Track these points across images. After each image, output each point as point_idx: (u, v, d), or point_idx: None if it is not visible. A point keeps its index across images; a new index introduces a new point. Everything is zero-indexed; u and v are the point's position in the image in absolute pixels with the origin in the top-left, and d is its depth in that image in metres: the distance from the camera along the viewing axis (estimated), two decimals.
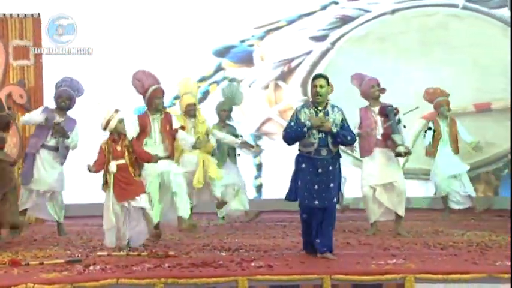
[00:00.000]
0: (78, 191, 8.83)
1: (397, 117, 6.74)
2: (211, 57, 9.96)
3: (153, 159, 6.26)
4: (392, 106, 6.75)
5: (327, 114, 5.61)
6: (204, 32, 9.79)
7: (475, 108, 9.72)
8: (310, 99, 5.79)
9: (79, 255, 5.83)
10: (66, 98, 7.12)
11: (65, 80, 7.29)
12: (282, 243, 6.37)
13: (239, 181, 8.08)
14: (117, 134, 6.10)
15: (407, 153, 6.72)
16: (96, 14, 9.53)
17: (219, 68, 10.00)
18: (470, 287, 4.85)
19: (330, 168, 5.58)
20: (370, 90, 6.90)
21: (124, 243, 6.07)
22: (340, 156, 5.74)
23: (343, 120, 5.69)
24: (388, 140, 6.74)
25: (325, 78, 5.68)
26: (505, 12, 9.95)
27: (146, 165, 6.33)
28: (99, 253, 5.91)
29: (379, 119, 6.83)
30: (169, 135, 6.72)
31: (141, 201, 6.06)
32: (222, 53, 10.02)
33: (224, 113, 8.06)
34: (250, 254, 5.81)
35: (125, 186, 6.01)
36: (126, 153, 6.08)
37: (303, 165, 5.58)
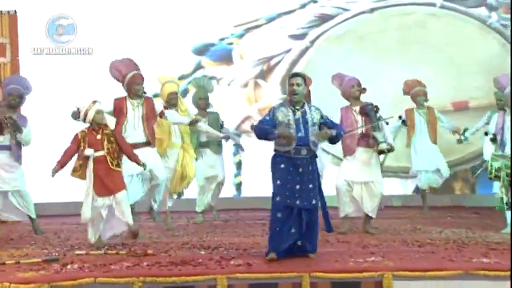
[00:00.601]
0: (55, 190, 8.75)
1: (378, 115, 6.77)
2: (191, 55, 9.93)
3: (140, 163, 6.24)
4: (372, 104, 6.78)
5: (304, 113, 5.52)
6: (183, 30, 9.76)
7: (453, 106, 9.80)
8: (288, 98, 5.68)
9: (56, 254, 5.79)
10: (16, 96, 7.05)
11: (13, 78, 7.27)
12: (261, 242, 6.37)
13: (222, 175, 8.11)
14: (96, 125, 6.08)
15: (390, 150, 6.74)
16: (96, 14, 9.51)
17: (199, 66, 9.97)
18: (447, 283, 4.90)
19: (310, 168, 5.50)
20: (351, 90, 6.92)
21: (96, 237, 6.04)
22: (317, 156, 5.70)
23: (323, 117, 5.63)
24: (370, 139, 6.76)
25: (302, 76, 5.60)
26: (481, 11, 10.05)
27: (126, 162, 6.29)
28: (77, 252, 5.87)
29: (360, 118, 6.85)
30: (150, 121, 6.71)
31: (118, 204, 6.03)
32: (201, 51, 9.99)
33: (202, 101, 8.07)
34: (230, 252, 5.80)
35: (103, 180, 5.98)
36: (106, 142, 6.06)
37: (282, 166, 5.45)
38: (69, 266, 5.17)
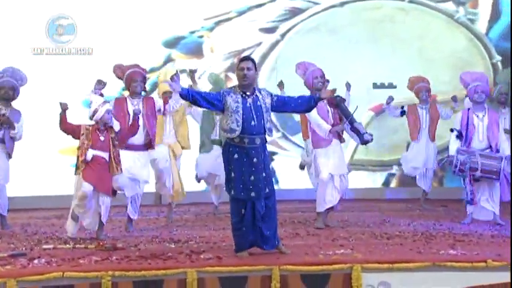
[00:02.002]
0: (23, 184, 8.65)
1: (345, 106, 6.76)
2: (161, 48, 9.87)
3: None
4: (340, 96, 6.78)
5: (255, 100, 5.32)
6: (154, 23, 9.69)
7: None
8: (236, 85, 5.43)
9: (23, 249, 5.70)
10: (9, 88, 6.95)
11: (6, 70, 7.12)
12: (231, 235, 6.35)
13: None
14: (103, 125, 6.02)
15: (372, 140, 6.71)
16: (96, 14, 9.47)
17: (169, 59, 9.92)
18: (415, 275, 4.96)
19: (262, 156, 5.34)
20: (314, 81, 6.90)
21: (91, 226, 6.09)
22: (267, 141, 5.50)
23: (274, 96, 5.44)
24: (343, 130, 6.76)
25: (253, 61, 5.42)
26: (449, 6, 10.17)
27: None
28: (44, 246, 5.80)
29: (330, 109, 6.84)
30: (150, 120, 6.62)
31: (105, 202, 6.01)
32: (172, 44, 9.94)
33: None
34: (200, 245, 5.79)
35: (97, 172, 5.93)
36: (112, 146, 6.01)
37: (236, 156, 5.26)
38: (36, 261, 5.10)
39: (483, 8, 10.15)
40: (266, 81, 9.92)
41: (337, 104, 6.67)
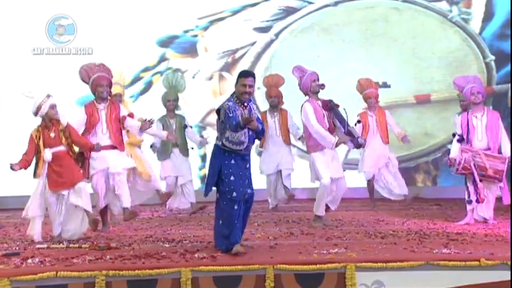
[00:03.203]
0: (16, 183, 8.61)
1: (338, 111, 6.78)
2: (155, 47, 9.86)
3: (95, 147, 6.16)
4: (332, 100, 6.79)
5: (250, 110, 5.51)
6: (148, 22, 9.69)
7: (416, 99, 9.94)
8: (235, 95, 5.52)
9: (17, 248, 5.69)
10: None
11: None
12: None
13: (188, 174, 8.13)
14: (49, 120, 5.97)
15: (365, 145, 6.72)
16: (96, 14, 9.47)
17: (163, 59, 9.91)
18: (409, 274, 4.97)
19: (250, 162, 5.64)
20: (312, 84, 6.91)
21: (55, 234, 5.96)
22: None
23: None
24: (338, 133, 6.77)
25: (254, 76, 5.54)
26: (442, 5, 10.18)
27: (95, 154, 6.21)
28: (38, 246, 5.79)
29: (324, 113, 6.84)
30: (116, 124, 6.63)
31: (77, 193, 5.96)
32: (166, 43, 9.93)
33: (170, 103, 8.08)
34: (194, 245, 5.79)
35: (60, 175, 5.92)
36: (63, 138, 5.97)
37: (232, 161, 5.45)
38: (30, 260, 5.09)
39: (476, 8, 10.17)
40: (260, 81, 9.91)
41: (331, 108, 6.74)
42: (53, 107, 5.96)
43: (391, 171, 8.45)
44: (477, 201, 6.82)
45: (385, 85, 9.65)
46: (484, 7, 10.16)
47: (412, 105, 9.89)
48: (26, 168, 5.96)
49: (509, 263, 4.94)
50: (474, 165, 6.76)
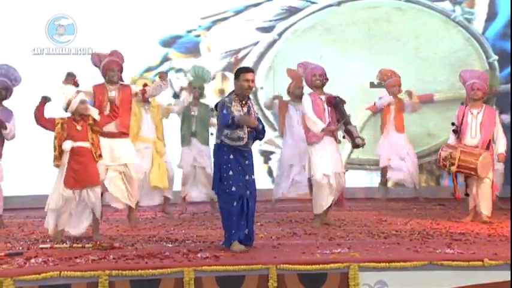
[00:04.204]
0: (20, 183, 8.64)
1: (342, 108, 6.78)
2: (158, 47, 9.86)
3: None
4: (339, 97, 6.80)
5: (249, 107, 5.58)
6: (151, 22, 9.68)
7: (419, 99, 9.91)
8: (235, 92, 5.58)
9: (20, 248, 5.69)
10: (2, 88, 6.93)
11: (1, 67, 7.10)
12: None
13: (207, 163, 8.02)
14: (78, 115, 5.98)
15: (364, 144, 6.72)
16: (96, 14, 9.45)
17: (166, 59, 9.91)
18: (412, 274, 4.96)
19: (251, 159, 5.63)
20: (312, 78, 6.91)
21: (59, 228, 5.95)
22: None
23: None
24: (339, 131, 6.77)
25: (253, 72, 5.67)
26: (445, 5, 10.17)
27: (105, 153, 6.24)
28: (41, 246, 5.78)
29: (326, 107, 6.84)
30: (126, 109, 6.67)
31: (93, 195, 5.97)
32: (169, 43, 9.94)
33: (195, 90, 8.17)
34: (197, 245, 5.79)
35: (76, 173, 5.88)
36: (90, 134, 5.97)
37: (231, 156, 5.48)
38: (33, 260, 5.09)
39: (480, 8, 10.16)
40: (263, 81, 9.93)
41: (336, 104, 6.72)
42: (83, 102, 5.97)
43: (412, 160, 8.64)
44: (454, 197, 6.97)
45: None
46: (487, 7, 10.15)
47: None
48: (40, 110, 5.91)
49: None
50: (448, 163, 6.83)
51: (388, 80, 8.65)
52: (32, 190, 8.97)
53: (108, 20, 9.49)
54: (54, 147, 5.93)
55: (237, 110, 5.48)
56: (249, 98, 5.64)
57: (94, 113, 6.07)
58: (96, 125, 6.02)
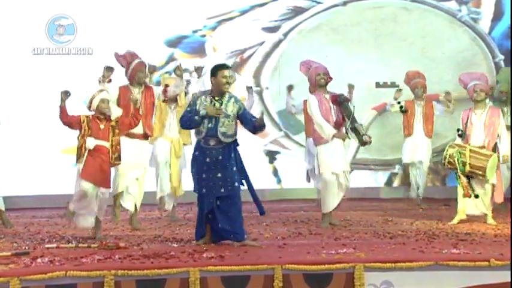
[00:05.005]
0: (26, 183, 8.66)
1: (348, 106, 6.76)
2: (163, 47, 9.86)
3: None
4: (343, 94, 6.79)
5: (221, 104, 5.65)
6: (156, 22, 9.69)
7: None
8: (211, 89, 5.74)
9: (26, 248, 5.71)
10: None
11: None
12: None
13: None
14: (100, 114, 6.00)
15: (371, 142, 6.70)
16: (96, 14, 9.46)
17: (171, 59, 9.90)
18: (418, 274, 4.95)
19: (220, 157, 5.64)
20: (316, 77, 6.90)
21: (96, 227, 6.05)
22: (237, 145, 5.78)
23: (241, 108, 5.74)
24: (343, 128, 6.75)
25: (231, 68, 5.80)
26: (451, 4, 10.15)
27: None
28: (47, 245, 5.80)
29: (332, 106, 6.83)
30: (150, 110, 6.73)
31: (101, 195, 5.99)
32: (174, 43, 9.94)
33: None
34: (202, 245, 5.79)
35: (93, 167, 5.90)
36: (111, 135, 5.99)
37: (197, 153, 5.71)
38: (39, 260, 5.10)
39: (486, 7, 10.13)
40: (269, 81, 9.93)
41: (341, 102, 6.70)
42: (103, 101, 5.99)
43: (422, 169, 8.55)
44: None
45: (394, 85, 9.62)
46: (493, 6, 10.12)
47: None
48: (64, 108, 5.96)
49: None
50: (457, 161, 6.78)
51: (413, 81, 8.54)
52: (37, 190, 9.00)
53: (109, 20, 9.48)
54: (79, 145, 5.94)
55: (201, 104, 5.63)
56: (229, 96, 5.71)
57: (117, 112, 6.10)
58: (118, 127, 6.05)
